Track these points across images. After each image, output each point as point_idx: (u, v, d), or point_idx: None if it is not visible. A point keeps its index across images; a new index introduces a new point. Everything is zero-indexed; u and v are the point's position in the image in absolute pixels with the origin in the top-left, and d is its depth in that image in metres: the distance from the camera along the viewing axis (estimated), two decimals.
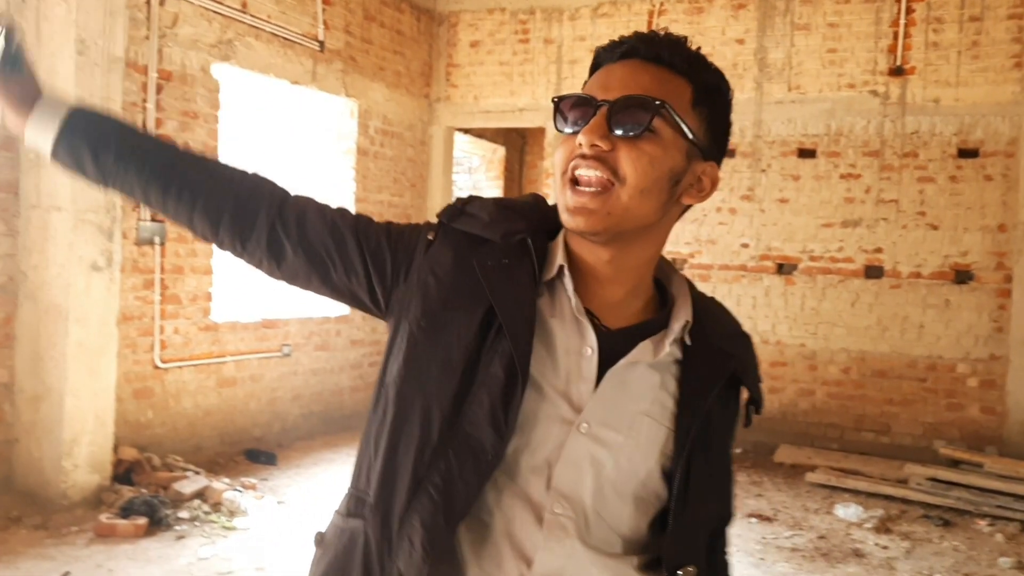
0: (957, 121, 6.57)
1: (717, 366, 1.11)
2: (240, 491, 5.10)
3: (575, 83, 7.67)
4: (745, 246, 7.24)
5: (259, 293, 6.78)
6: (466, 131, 8.94)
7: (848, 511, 5.44)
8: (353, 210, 1.23)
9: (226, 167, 1.23)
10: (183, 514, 4.72)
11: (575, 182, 1.02)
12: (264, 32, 6.19)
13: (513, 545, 1.03)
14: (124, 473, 5.03)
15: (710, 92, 1.06)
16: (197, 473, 5.21)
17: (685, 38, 1.08)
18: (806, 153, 7.05)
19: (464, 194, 1.16)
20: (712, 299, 1.20)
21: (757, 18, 7.14)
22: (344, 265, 1.16)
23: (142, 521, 4.49)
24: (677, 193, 1.06)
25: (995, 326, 6.52)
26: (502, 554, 1.03)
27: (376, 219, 1.22)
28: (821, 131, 6.98)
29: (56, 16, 4.57)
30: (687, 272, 7.33)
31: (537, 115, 7.91)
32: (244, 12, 6.00)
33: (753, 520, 5.29)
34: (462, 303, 1.07)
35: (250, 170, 1.24)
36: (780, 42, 7.07)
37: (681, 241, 7.41)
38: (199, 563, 4.22)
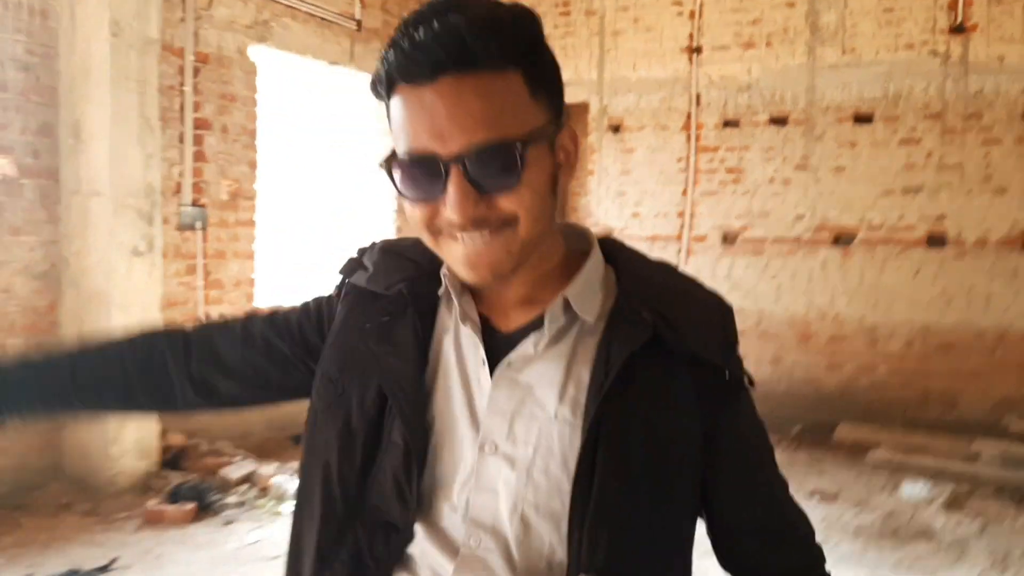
0: None
1: (629, 337, 0.91)
2: (288, 475, 5.05)
3: (618, 55, 7.48)
4: (800, 218, 6.97)
5: (301, 276, 6.74)
6: None
7: (915, 489, 5.20)
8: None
9: (113, 348, 1.17)
10: (231, 499, 4.68)
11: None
12: (300, 12, 6.10)
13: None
14: (172, 459, 5.01)
15: (537, 60, 0.86)
16: (245, 458, 5.17)
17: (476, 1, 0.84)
18: (863, 119, 6.75)
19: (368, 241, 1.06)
20: (659, 264, 1.03)
21: None
22: (279, 368, 1.10)
23: (190, 507, 4.46)
24: (556, 191, 0.92)
25: None
26: None
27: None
28: (878, 95, 6.67)
29: None
30: (739, 246, 7.11)
31: (580, 90, 7.71)
32: None
33: (815, 499, 5.08)
34: (357, 370, 0.99)
35: (134, 332, 1.18)
36: (833, 3, 6.77)
37: (732, 214, 7.18)
38: (247, 548, 4.17)
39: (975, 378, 6.43)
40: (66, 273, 4.70)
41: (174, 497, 4.56)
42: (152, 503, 4.49)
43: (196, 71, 5.35)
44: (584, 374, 0.92)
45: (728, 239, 7.20)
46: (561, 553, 0.90)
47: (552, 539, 0.91)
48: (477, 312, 0.97)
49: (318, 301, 1.11)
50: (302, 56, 6.18)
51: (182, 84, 5.26)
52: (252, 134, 5.79)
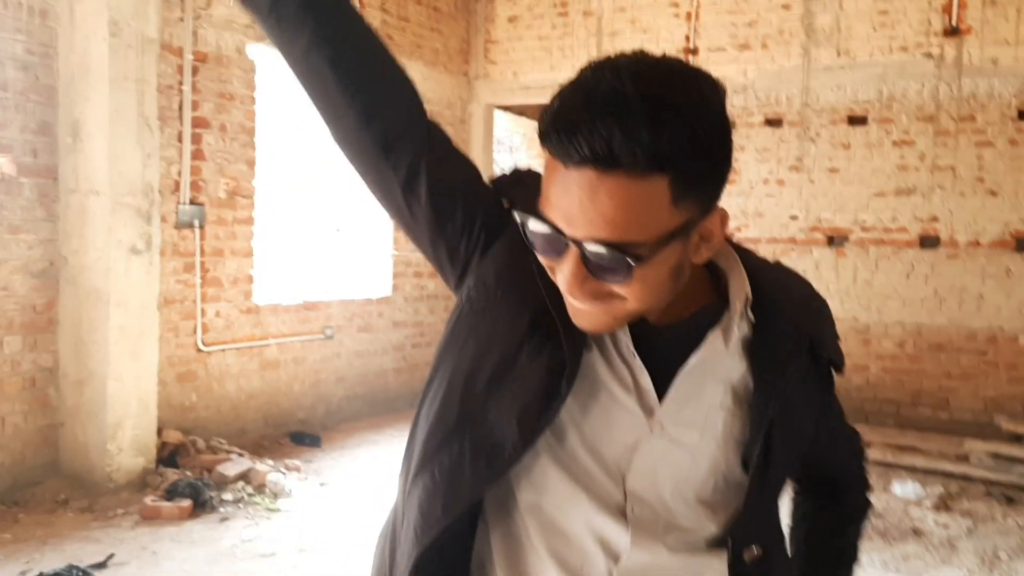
0: (1017, 82, 6.26)
1: (792, 342, 1.02)
2: (284, 473, 5.09)
3: None
4: (794, 218, 7.02)
5: (299, 275, 6.77)
6: (506, 109, 8.81)
7: (906, 489, 5.25)
8: None
9: (391, 61, 1.08)
10: (227, 496, 4.72)
11: None
12: None
13: (598, 539, 0.98)
14: (169, 456, 5.05)
15: (694, 168, 0.83)
16: (241, 455, 5.21)
17: (652, 90, 0.81)
18: (857, 120, 6.79)
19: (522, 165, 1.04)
20: (775, 265, 1.09)
21: None
22: (464, 223, 1.06)
23: (186, 503, 4.50)
24: (685, 269, 0.93)
25: None
26: (585, 546, 0.98)
27: None
28: (872, 97, 6.72)
29: None
30: None
31: None
32: None
33: None
34: (516, 290, 1.00)
35: (403, 70, 1.10)
36: (828, 5, 6.81)
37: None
38: (243, 545, 4.20)
39: (966, 378, 6.48)
40: (64, 271, 4.73)
41: (170, 494, 4.59)
42: (149, 500, 4.52)
43: (195, 70, 5.38)
44: (739, 365, 1.00)
45: None
46: (712, 528, 1.00)
47: (705, 516, 1.00)
48: None
49: (496, 193, 1.09)
50: None
51: (181, 83, 5.29)
52: (250, 133, 5.82)
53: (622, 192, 0.81)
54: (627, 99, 0.80)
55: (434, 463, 0.98)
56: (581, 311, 0.91)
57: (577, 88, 0.84)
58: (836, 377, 1.15)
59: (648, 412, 0.97)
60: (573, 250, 0.85)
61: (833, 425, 1.22)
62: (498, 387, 0.97)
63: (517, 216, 0.90)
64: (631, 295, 0.88)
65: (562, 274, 0.87)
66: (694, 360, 0.97)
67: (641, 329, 0.97)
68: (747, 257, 1.05)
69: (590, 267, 0.85)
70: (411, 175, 1.05)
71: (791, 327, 1.02)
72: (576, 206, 0.83)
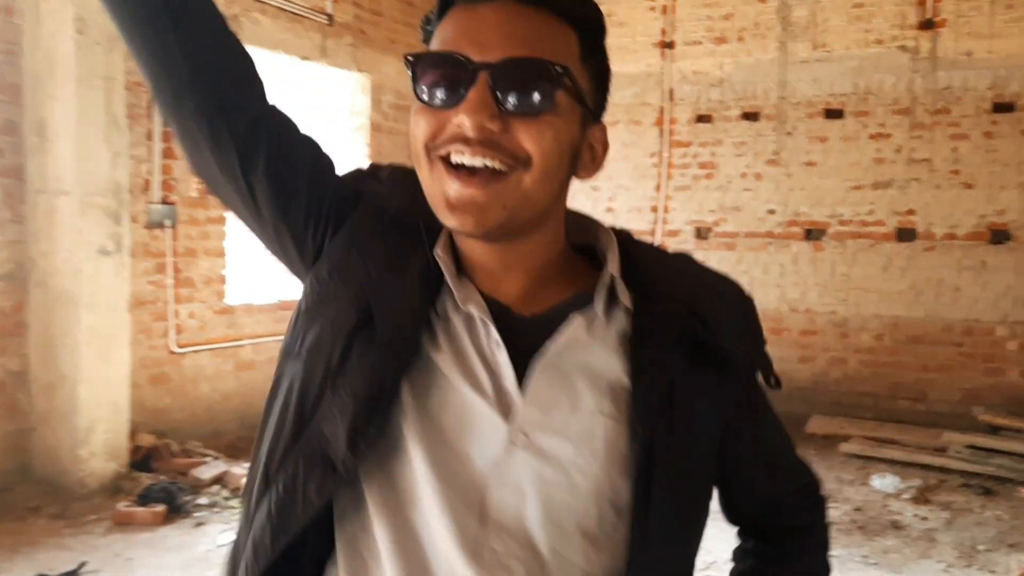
0: (991, 74, 6.29)
1: (669, 330, 0.85)
2: None
3: None
4: (771, 212, 7.02)
5: (274, 275, 6.69)
6: None
7: (884, 481, 5.27)
8: None
9: (228, 28, 0.92)
10: (202, 500, 4.65)
11: (456, 166, 0.78)
12: (271, 7, 6.04)
13: None
14: (142, 460, 4.97)
15: (597, 39, 0.84)
16: (216, 458, 5.14)
17: None
18: (833, 114, 6.80)
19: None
20: (677, 255, 0.96)
21: None
22: (309, 204, 0.91)
23: (160, 508, 4.42)
24: (574, 169, 0.86)
25: None
26: None
27: None
28: (848, 90, 6.73)
29: None
30: (712, 240, 7.15)
31: None
32: None
33: None
34: (350, 281, 0.86)
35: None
36: None
37: (705, 209, 7.21)
38: (219, 550, 4.14)
39: (943, 370, 6.51)
40: (33, 273, 4.64)
41: (144, 499, 4.51)
42: (122, 505, 4.44)
43: None
44: (619, 363, 0.85)
45: (701, 234, 7.24)
46: (600, 567, 0.82)
47: (587, 550, 0.82)
48: (480, 294, 0.86)
49: (347, 183, 0.95)
50: (272, 51, 6.12)
51: None
52: None
53: (543, 21, 0.79)
54: None
55: (272, 487, 0.83)
56: (470, 196, 0.78)
57: None
58: (781, 388, 0.97)
59: (507, 416, 0.81)
60: (482, 77, 0.76)
61: (764, 454, 1.00)
62: (331, 392, 0.82)
63: (410, 57, 0.80)
64: (538, 149, 0.78)
65: (465, 107, 0.76)
66: (552, 348, 0.83)
67: (503, 320, 0.84)
68: (635, 244, 0.93)
69: (499, 97, 0.76)
70: (248, 139, 0.89)
71: (673, 317, 0.86)
72: (492, 28, 0.78)
